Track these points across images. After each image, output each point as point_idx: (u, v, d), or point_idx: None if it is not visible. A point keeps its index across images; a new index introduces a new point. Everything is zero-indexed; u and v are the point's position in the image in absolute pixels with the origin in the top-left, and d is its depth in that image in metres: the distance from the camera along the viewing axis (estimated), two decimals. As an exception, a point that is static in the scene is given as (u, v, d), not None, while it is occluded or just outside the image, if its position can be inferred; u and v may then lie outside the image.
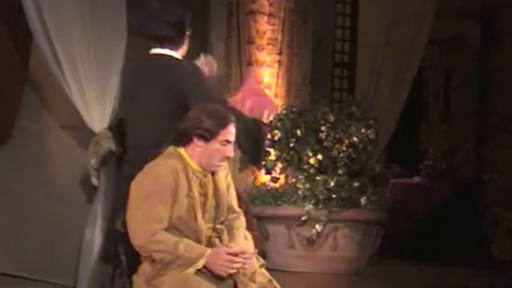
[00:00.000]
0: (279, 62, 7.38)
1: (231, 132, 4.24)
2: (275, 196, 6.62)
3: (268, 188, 6.77)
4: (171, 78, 4.83)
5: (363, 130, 6.80)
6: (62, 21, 6.10)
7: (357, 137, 6.76)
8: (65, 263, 6.61)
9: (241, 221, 4.43)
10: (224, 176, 4.39)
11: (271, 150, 6.71)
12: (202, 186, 4.26)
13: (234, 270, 4.12)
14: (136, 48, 5.90)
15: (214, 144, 4.23)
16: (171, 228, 4.14)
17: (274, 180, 6.81)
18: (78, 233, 6.41)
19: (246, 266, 4.18)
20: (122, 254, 4.56)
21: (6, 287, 6.87)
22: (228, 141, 4.25)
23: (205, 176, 4.27)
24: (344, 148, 6.73)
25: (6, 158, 7.22)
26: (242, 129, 4.73)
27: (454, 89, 11.20)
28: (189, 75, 4.86)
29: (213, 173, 4.32)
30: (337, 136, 6.74)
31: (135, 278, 4.25)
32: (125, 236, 4.40)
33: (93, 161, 6.27)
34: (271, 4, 7.28)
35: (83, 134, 6.40)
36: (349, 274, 6.74)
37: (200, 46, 6.96)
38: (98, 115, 6.27)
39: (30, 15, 6.10)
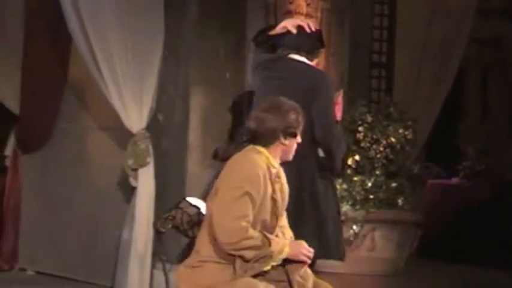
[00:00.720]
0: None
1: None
2: (312, 197, 6.60)
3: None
4: (313, 81, 5.17)
5: (400, 131, 6.78)
6: (101, 24, 6.14)
7: (394, 137, 6.74)
8: (103, 263, 6.65)
9: (286, 219, 4.44)
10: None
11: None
12: (281, 187, 4.26)
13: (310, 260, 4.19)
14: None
15: (297, 137, 4.28)
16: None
17: (312, 180, 6.80)
18: (116, 233, 6.45)
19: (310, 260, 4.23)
20: (162, 253, 4.59)
21: (45, 286, 6.93)
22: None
23: (279, 176, 4.26)
24: (381, 149, 6.71)
25: (46, 159, 7.30)
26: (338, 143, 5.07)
27: (492, 88, 11.11)
28: (328, 84, 5.24)
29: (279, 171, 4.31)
30: (374, 137, 6.73)
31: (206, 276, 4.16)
32: (163, 236, 4.44)
33: (131, 162, 6.31)
34: (308, 4, 7.25)
35: (121, 134, 6.44)
36: (387, 275, 6.72)
37: (238, 46, 6.98)
38: (136, 116, 6.31)
39: (69, 18, 6.15)
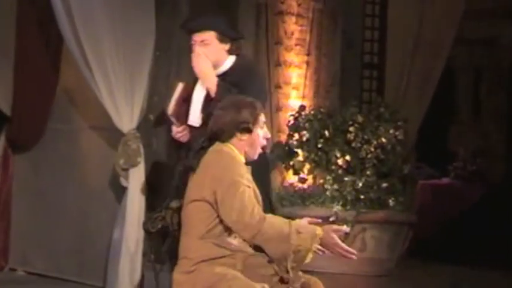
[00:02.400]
0: (307, 62, 7.36)
1: (264, 115, 4.34)
2: (303, 197, 6.62)
3: (296, 188, 6.77)
4: None
5: (391, 131, 6.78)
6: (92, 24, 6.13)
7: (385, 137, 6.74)
8: (94, 263, 6.64)
9: None
10: None
11: (299, 151, 6.71)
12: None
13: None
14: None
15: (257, 130, 4.31)
16: None
17: (302, 181, 6.81)
18: (107, 233, 6.44)
19: None
20: (152, 253, 4.59)
21: (36, 286, 6.92)
22: (265, 123, 4.34)
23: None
24: (372, 149, 6.72)
25: (37, 159, 7.28)
26: None
27: (484, 89, 11.14)
28: None
29: None
30: (365, 137, 6.74)
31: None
32: (152, 236, 4.44)
33: (121, 162, 6.31)
34: (299, 5, 7.27)
35: (112, 134, 6.43)
36: (378, 275, 6.72)
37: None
38: (127, 116, 6.30)
39: (61, 19, 6.14)
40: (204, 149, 4.34)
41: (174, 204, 4.59)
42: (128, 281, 6.28)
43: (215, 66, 5.05)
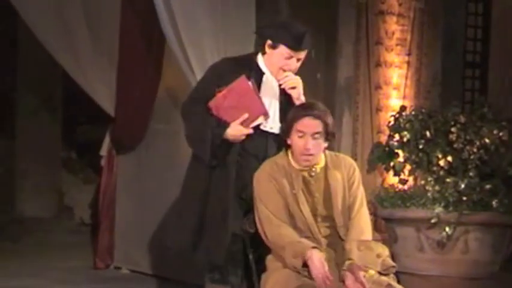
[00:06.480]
0: (408, 62, 7.29)
1: (304, 124, 4.36)
2: (404, 198, 6.55)
3: (397, 190, 6.71)
4: None
5: (495, 132, 6.65)
6: (194, 26, 6.21)
7: (488, 138, 6.61)
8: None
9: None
10: (342, 177, 4.44)
11: (400, 152, 6.65)
12: (306, 183, 4.37)
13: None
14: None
15: (293, 137, 4.39)
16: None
17: (403, 182, 6.75)
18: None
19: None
20: (250, 254, 4.62)
21: (143, 286, 7.02)
22: (303, 133, 4.36)
23: (311, 175, 4.39)
24: (475, 150, 6.59)
25: (140, 159, 7.41)
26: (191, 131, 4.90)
27: None
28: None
29: (326, 172, 4.41)
30: (468, 138, 6.62)
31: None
32: (253, 236, 4.48)
33: (222, 162, 6.34)
34: (400, 4, 7.20)
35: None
36: (481, 278, 6.60)
37: (329, 47, 6.97)
38: (227, 117, 6.34)
39: (163, 20, 6.24)
40: None
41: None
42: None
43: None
